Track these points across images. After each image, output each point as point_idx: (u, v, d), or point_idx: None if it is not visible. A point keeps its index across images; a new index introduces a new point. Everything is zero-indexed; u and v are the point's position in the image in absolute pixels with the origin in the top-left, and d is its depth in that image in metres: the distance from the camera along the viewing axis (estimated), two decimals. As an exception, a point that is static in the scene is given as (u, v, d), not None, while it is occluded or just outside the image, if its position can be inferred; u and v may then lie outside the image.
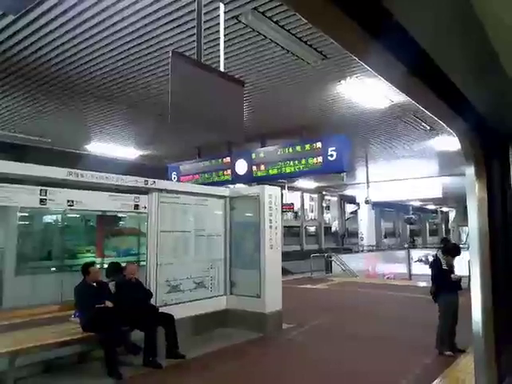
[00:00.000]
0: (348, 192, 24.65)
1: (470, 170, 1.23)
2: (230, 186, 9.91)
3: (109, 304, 5.67)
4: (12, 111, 8.65)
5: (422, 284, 12.71)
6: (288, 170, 9.16)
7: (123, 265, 6.60)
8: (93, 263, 6.22)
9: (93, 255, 8.12)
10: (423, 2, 0.64)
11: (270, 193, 7.97)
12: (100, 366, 5.41)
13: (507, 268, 1.18)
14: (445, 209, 37.29)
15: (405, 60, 0.77)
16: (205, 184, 10.21)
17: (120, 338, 5.58)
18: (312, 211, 26.76)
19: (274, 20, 5.15)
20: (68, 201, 6.13)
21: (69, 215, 7.98)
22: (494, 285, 1.15)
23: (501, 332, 1.13)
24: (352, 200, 25.22)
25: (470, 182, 1.23)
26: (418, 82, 0.85)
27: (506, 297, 1.15)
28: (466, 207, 1.26)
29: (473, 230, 1.21)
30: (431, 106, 1.02)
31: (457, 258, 6.27)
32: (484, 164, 1.21)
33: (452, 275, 6.12)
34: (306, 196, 25.41)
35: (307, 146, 8.78)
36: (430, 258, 8.73)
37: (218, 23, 4.54)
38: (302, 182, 20.29)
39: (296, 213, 23.98)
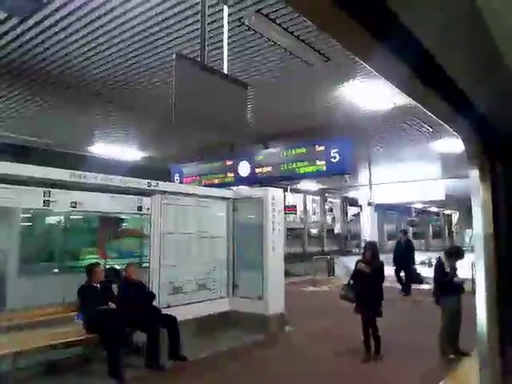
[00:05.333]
0: (351, 194, 24.60)
1: (474, 172, 1.23)
2: (232, 187, 9.89)
3: (112, 305, 5.68)
4: (16, 114, 8.67)
5: (424, 287, 12.67)
6: (291, 172, 9.12)
7: (117, 267, 6.56)
8: (96, 264, 6.23)
9: (96, 257, 8.12)
10: (427, 3, 0.64)
11: (273, 195, 7.98)
12: (103, 368, 5.42)
13: None
14: (448, 211, 37.15)
15: (409, 61, 0.77)
16: (208, 186, 10.21)
17: (123, 339, 5.58)
18: (314, 213, 26.68)
19: (278, 22, 5.15)
20: (71, 202, 6.16)
21: (72, 217, 7.99)
22: (498, 287, 1.15)
23: (505, 334, 1.12)
24: (355, 202, 25.17)
25: (474, 184, 1.22)
26: (421, 84, 0.84)
27: (511, 299, 1.14)
28: (469, 210, 1.25)
29: (477, 232, 1.20)
30: (435, 108, 1.02)
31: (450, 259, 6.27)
32: (488, 166, 1.21)
33: (455, 278, 6.10)
34: (309, 198, 25.35)
35: (310, 148, 8.76)
36: (434, 262, 8.68)
37: (222, 25, 4.55)
38: (304, 184, 20.25)
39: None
